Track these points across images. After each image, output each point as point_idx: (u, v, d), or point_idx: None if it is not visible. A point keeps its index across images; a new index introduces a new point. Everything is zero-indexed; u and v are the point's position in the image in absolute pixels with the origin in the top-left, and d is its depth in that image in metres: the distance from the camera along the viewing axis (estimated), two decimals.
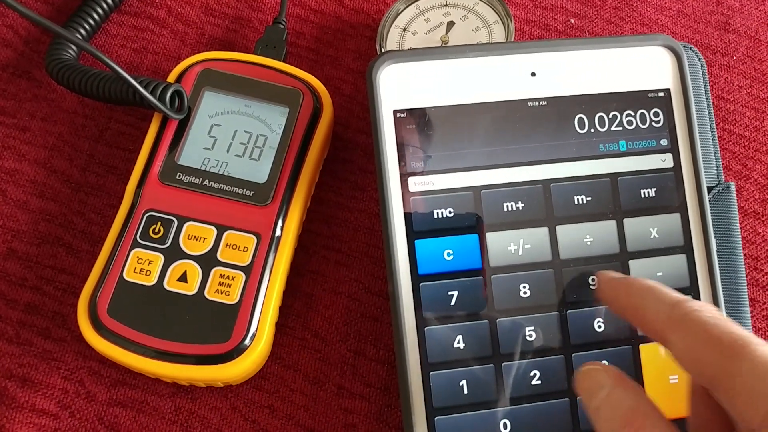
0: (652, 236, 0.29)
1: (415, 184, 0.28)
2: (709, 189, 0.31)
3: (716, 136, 0.33)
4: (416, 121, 0.28)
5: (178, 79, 0.32)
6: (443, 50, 0.29)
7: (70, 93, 0.35)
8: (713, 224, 0.30)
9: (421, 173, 0.28)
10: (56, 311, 0.31)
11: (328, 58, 0.37)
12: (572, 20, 0.38)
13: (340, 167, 0.34)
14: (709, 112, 0.33)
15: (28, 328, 0.31)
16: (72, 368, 0.30)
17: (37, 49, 0.36)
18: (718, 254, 0.30)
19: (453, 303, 0.27)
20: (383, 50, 0.35)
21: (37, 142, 0.34)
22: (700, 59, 0.34)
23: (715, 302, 0.28)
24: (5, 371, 0.30)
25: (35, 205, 0.33)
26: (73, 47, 0.34)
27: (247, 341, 0.28)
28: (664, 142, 0.29)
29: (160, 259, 0.28)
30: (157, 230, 0.29)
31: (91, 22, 0.35)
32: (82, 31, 0.35)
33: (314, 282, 0.32)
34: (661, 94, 0.30)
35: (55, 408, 0.29)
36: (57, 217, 0.33)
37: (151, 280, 0.28)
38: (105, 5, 0.36)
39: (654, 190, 0.29)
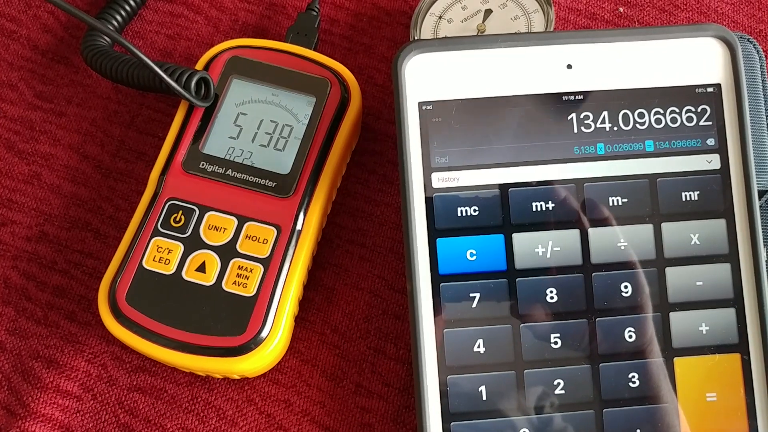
0: (692, 243, 0.27)
1: (439, 180, 0.27)
2: (762, 193, 0.29)
3: None
4: (443, 114, 0.27)
5: (206, 66, 0.32)
6: (473, 40, 0.27)
7: (105, 79, 0.35)
8: (764, 232, 0.28)
9: (446, 169, 0.27)
10: (82, 295, 0.31)
11: (362, 46, 0.36)
12: (621, 9, 0.36)
13: (369, 159, 0.33)
14: (767, 110, 0.30)
15: (55, 311, 0.31)
16: (95, 352, 0.30)
17: (76, 35, 0.37)
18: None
19: (474, 305, 0.26)
20: (416, 39, 0.34)
21: (72, 127, 0.35)
22: (758, 51, 0.31)
23: (762, 317, 0.26)
24: (33, 351, 0.30)
25: (67, 189, 0.33)
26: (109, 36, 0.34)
27: (262, 334, 0.27)
28: (710, 141, 0.27)
29: (180, 248, 0.28)
30: (178, 219, 0.29)
31: (128, 8, 0.35)
32: (118, 17, 0.35)
33: (336, 276, 0.31)
34: (710, 89, 0.27)
35: (78, 390, 0.30)
36: (87, 202, 0.33)
37: (170, 269, 0.28)
38: None
39: (697, 193, 0.27)
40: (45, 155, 0.34)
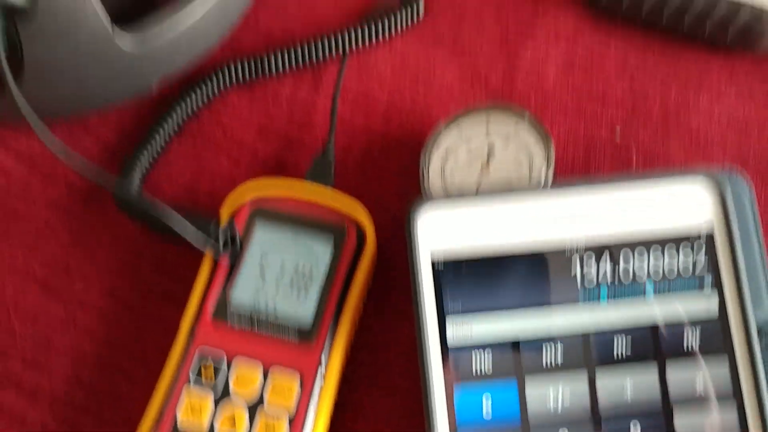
0: (697, 386, 0.28)
1: (454, 332, 0.28)
2: (761, 331, 0.31)
3: None
4: (454, 267, 0.29)
5: (231, 216, 0.34)
6: (479, 197, 0.29)
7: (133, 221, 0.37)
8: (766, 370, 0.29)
9: (460, 320, 0.29)
10: None
11: (374, 176, 0.38)
12: (618, 128, 0.38)
13: (384, 291, 0.35)
14: (759, 244, 0.32)
15: None
16: None
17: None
18: None
19: None
20: (426, 175, 0.36)
21: (104, 268, 0.37)
22: (747, 182, 0.33)
23: None
24: None
25: (100, 332, 0.35)
26: (138, 180, 0.37)
27: None
28: (707, 283, 0.29)
29: (211, 401, 0.30)
30: (208, 371, 0.30)
31: (154, 153, 0.38)
32: (146, 163, 0.38)
33: (355, 416, 0.32)
34: (703, 232, 0.29)
35: None
36: (118, 345, 0.35)
37: (202, 425, 0.29)
38: (165, 136, 0.38)
39: (699, 334, 0.28)
40: (80, 297, 0.36)
